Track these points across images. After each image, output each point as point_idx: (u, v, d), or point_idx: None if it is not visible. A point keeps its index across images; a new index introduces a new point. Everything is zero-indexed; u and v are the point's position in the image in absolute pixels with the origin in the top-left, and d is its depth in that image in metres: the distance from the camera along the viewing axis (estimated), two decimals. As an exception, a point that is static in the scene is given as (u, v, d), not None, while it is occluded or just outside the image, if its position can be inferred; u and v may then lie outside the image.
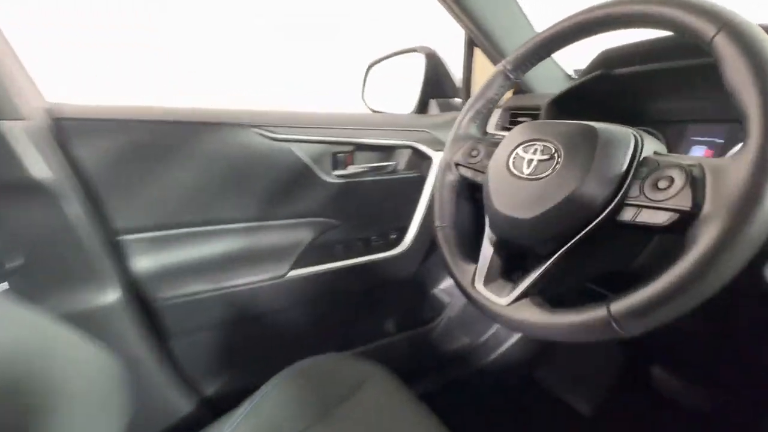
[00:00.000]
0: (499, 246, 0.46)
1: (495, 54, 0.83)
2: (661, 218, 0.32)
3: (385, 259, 0.88)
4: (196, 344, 0.74)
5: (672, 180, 0.32)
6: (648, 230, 0.36)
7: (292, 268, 0.79)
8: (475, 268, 0.47)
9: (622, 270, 0.43)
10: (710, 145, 0.55)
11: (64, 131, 0.57)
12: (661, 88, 0.60)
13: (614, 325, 0.31)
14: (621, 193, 0.35)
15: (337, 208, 0.80)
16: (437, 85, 1.01)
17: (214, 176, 0.67)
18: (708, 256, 0.28)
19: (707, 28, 0.31)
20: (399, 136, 0.85)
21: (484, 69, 0.91)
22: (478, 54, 0.88)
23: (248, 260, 0.74)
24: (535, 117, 0.75)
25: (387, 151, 0.85)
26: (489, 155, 0.48)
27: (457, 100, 1.01)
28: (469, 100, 0.55)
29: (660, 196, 0.32)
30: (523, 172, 0.41)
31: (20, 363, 0.32)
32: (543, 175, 0.39)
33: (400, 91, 1.12)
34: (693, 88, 0.56)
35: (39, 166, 0.52)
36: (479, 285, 0.45)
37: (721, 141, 0.53)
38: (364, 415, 0.55)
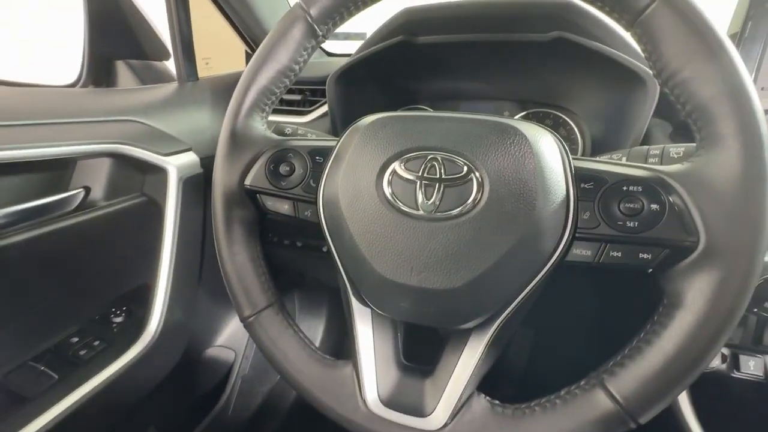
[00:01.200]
0: (387, 325, 0.32)
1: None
2: (645, 256, 0.25)
3: (122, 374, 0.46)
4: None
5: (640, 201, 0.25)
6: (621, 272, 0.27)
7: None
8: (353, 371, 0.32)
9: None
10: None
11: None
12: (470, 64, 0.51)
13: (625, 416, 0.24)
14: (570, 222, 0.26)
15: None
16: (122, 36, 0.59)
17: None
18: (728, 303, 0.23)
19: None
20: (74, 133, 0.43)
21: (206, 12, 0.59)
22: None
23: None
24: (307, 100, 0.60)
25: (54, 168, 0.45)
26: (317, 172, 0.33)
27: (169, 64, 0.63)
28: (249, 68, 0.34)
29: (632, 224, 0.25)
30: (418, 207, 0.27)
31: None
32: (461, 210, 0.27)
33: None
34: (512, 67, 0.49)
35: None
36: (375, 404, 0.30)
37: None
38: None
